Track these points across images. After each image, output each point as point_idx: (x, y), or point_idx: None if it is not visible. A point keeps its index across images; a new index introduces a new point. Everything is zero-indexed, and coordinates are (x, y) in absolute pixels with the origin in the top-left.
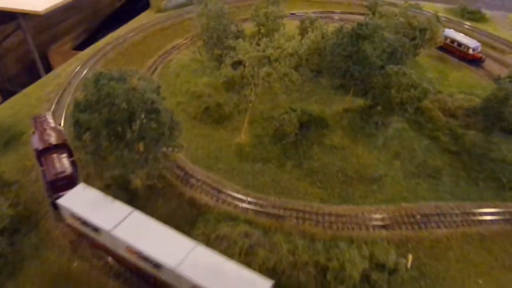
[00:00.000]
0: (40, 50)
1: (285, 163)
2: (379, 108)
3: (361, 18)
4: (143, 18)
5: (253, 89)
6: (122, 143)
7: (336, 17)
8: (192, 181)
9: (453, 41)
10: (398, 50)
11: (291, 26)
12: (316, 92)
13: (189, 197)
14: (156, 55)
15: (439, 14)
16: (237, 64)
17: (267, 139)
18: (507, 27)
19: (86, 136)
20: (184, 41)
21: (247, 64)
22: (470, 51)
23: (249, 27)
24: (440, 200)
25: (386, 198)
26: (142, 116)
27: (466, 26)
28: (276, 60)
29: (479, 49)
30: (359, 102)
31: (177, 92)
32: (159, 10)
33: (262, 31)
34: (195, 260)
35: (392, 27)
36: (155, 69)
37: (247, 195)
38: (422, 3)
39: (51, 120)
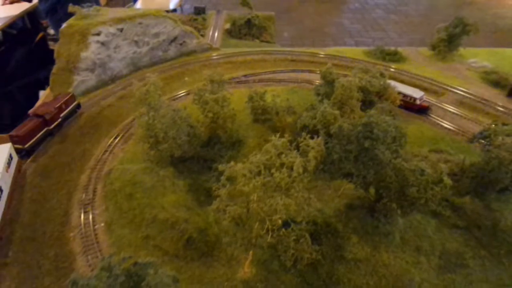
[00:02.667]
0: None
1: None
2: (385, 201)
3: (295, 76)
4: None
5: (270, 227)
6: None
7: (268, 78)
8: None
9: (397, 93)
10: (397, 138)
11: (233, 98)
12: None
13: None
14: (88, 167)
15: (359, 58)
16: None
17: (275, 264)
18: (425, 63)
19: None
20: (114, 141)
21: (254, 198)
22: (417, 102)
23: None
24: None
25: None
26: None
27: (393, 70)
28: (287, 184)
29: (424, 98)
30: (351, 189)
31: (139, 222)
32: None
33: (220, 121)
34: None
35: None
36: (95, 190)
37: None
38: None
39: (62, 99)
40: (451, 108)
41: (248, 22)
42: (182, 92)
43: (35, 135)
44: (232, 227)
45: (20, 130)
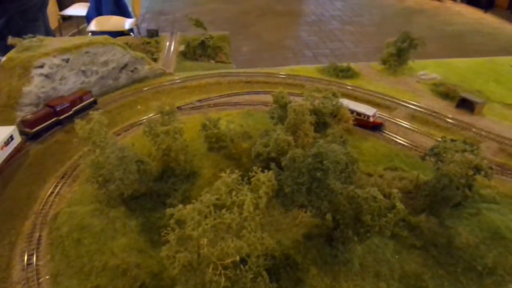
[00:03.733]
0: None
1: None
2: (342, 228)
3: (250, 98)
4: None
5: (222, 272)
6: None
7: (224, 101)
8: None
9: (351, 111)
10: (349, 164)
11: (187, 126)
12: None
13: None
14: (31, 212)
15: (312, 76)
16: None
17: None
18: (377, 78)
19: None
20: (62, 180)
21: (204, 242)
22: (371, 119)
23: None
24: None
25: None
26: None
27: (349, 87)
28: (238, 224)
29: (377, 114)
30: (309, 217)
31: (88, 271)
32: None
33: (172, 154)
34: None
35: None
36: (39, 238)
37: None
38: (295, 67)
39: (77, 94)
40: (403, 123)
41: (202, 43)
42: (134, 122)
43: (43, 123)
44: (184, 272)
45: (31, 116)
